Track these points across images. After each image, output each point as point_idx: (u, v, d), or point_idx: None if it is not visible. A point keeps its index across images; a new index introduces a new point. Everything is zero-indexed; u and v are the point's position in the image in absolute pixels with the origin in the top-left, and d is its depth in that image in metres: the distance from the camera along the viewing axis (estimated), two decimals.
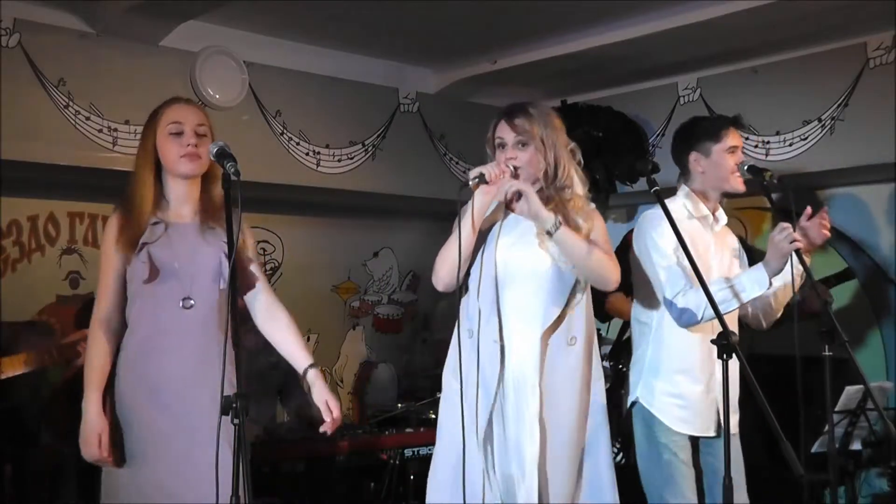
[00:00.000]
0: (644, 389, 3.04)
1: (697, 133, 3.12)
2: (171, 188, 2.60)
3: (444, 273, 2.65)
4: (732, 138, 3.07)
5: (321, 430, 2.61)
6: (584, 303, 2.72)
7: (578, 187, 2.73)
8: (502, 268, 2.67)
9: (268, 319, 2.71)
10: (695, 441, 3.02)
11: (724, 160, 3.04)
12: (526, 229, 2.68)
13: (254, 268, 2.68)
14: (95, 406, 2.50)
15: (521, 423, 2.61)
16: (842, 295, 4.69)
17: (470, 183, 2.57)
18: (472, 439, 2.59)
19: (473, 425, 2.60)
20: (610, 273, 2.68)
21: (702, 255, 2.96)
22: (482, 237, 2.71)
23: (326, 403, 2.61)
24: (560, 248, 2.63)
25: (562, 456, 2.64)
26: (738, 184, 3.06)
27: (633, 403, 3.06)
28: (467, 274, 2.71)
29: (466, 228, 2.61)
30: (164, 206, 2.59)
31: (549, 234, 2.60)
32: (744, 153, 4.70)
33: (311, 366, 2.66)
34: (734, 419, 3.00)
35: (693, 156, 3.09)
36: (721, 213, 3.14)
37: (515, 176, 2.64)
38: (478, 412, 2.61)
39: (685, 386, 2.97)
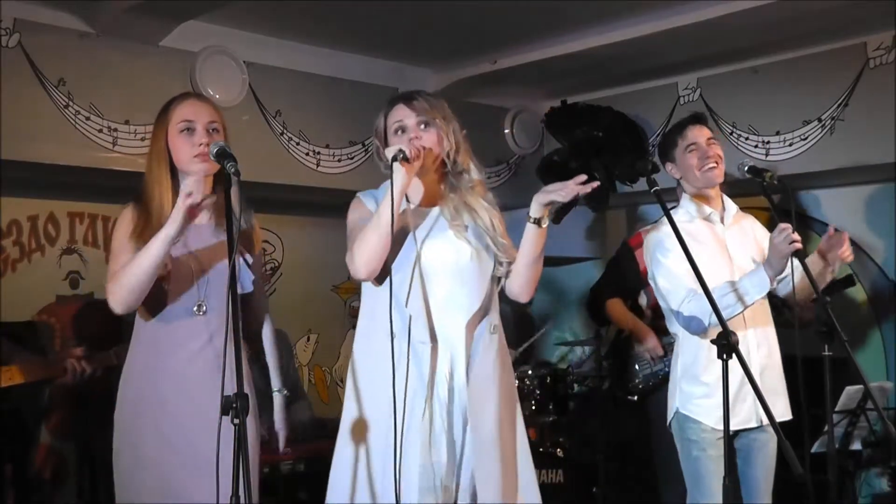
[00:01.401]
0: (682, 398, 3.08)
1: (664, 144, 3.23)
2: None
3: (364, 260, 2.47)
4: (690, 136, 3.11)
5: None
6: (496, 291, 2.67)
7: (475, 172, 2.65)
8: (426, 266, 2.56)
9: (257, 328, 2.69)
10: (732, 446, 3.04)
11: (686, 160, 3.10)
12: (441, 224, 2.60)
13: (254, 268, 2.63)
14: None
15: (459, 418, 2.52)
16: (843, 295, 4.69)
17: (398, 160, 2.43)
18: (415, 447, 2.46)
19: (411, 438, 2.46)
20: (535, 285, 2.64)
21: (712, 254, 3.00)
22: (398, 239, 2.56)
23: (277, 433, 2.65)
24: (531, 242, 2.55)
25: (496, 444, 2.54)
26: (709, 177, 3.07)
27: (675, 415, 3.10)
28: (386, 272, 2.55)
29: (387, 211, 2.43)
30: None
31: (538, 222, 2.51)
32: (743, 152, 4.74)
33: (277, 390, 2.72)
34: (782, 403, 3.04)
35: (668, 166, 3.20)
36: (728, 208, 3.15)
37: (421, 156, 2.50)
38: (403, 415, 2.44)
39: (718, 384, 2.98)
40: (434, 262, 2.56)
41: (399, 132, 2.59)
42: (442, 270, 2.56)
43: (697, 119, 3.17)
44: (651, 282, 3.16)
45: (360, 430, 2.54)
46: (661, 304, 3.17)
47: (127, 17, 3.96)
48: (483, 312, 2.60)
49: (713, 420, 2.98)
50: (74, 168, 4.04)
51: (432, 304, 2.55)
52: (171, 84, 4.19)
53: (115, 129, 4.10)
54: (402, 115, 2.60)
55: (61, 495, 4.12)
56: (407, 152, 2.45)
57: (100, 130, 4.07)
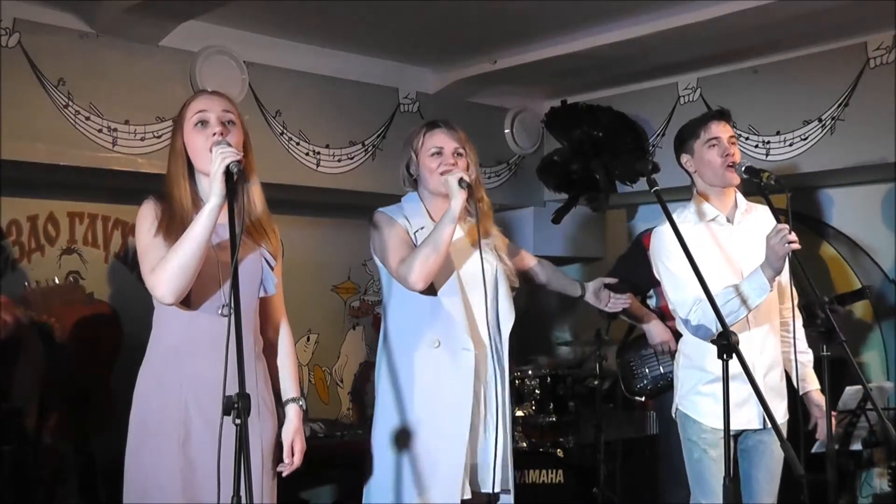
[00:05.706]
0: (683, 396, 3.10)
1: (683, 134, 3.19)
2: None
3: (425, 274, 2.70)
4: (712, 131, 3.08)
5: (278, 469, 2.55)
6: None
7: (487, 198, 2.93)
8: (466, 279, 2.81)
9: (273, 334, 2.69)
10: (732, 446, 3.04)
11: (705, 154, 3.07)
12: (466, 242, 2.85)
13: (276, 271, 2.60)
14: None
15: (495, 417, 2.82)
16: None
17: (462, 187, 2.69)
18: (461, 450, 2.73)
19: (459, 437, 2.74)
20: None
21: (713, 259, 2.98)
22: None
23: (291, 445, 2.57)
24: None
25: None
26: (727, 177, 3.05)
27: (676, 412, 3.13)
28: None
29: (445, 230, 2.69)
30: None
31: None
32: (743, 152, 4.73)
33: (293, 399, 2.62)
34: (783, 405, 3.06)
35: (684, 158, 3.16)
36: (740, 207, 3.12)
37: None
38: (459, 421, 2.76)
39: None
40: (471, 276, 2.80)
41: (435, 155, 2.84)
42: (479, 283, 2.78)
43: (723, 115, 3.15)
44: (658, 277, 3.17)
45: (405, 434, 2.77)
46: (670, 306, 3.16)
47: (127, 17, 3.95)
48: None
49: (711, 420, 2.98)
50: (74, 168, 4.04)
51: (473, 313, 2.81)
52: (171, 84, 4.19)
53: (115, 129, 4.10)
54: (442, 141, 2.85)
55: (61, 495, 4.12)
56: (467, 180, 2.72)
57: (100, 130, 4.07)
